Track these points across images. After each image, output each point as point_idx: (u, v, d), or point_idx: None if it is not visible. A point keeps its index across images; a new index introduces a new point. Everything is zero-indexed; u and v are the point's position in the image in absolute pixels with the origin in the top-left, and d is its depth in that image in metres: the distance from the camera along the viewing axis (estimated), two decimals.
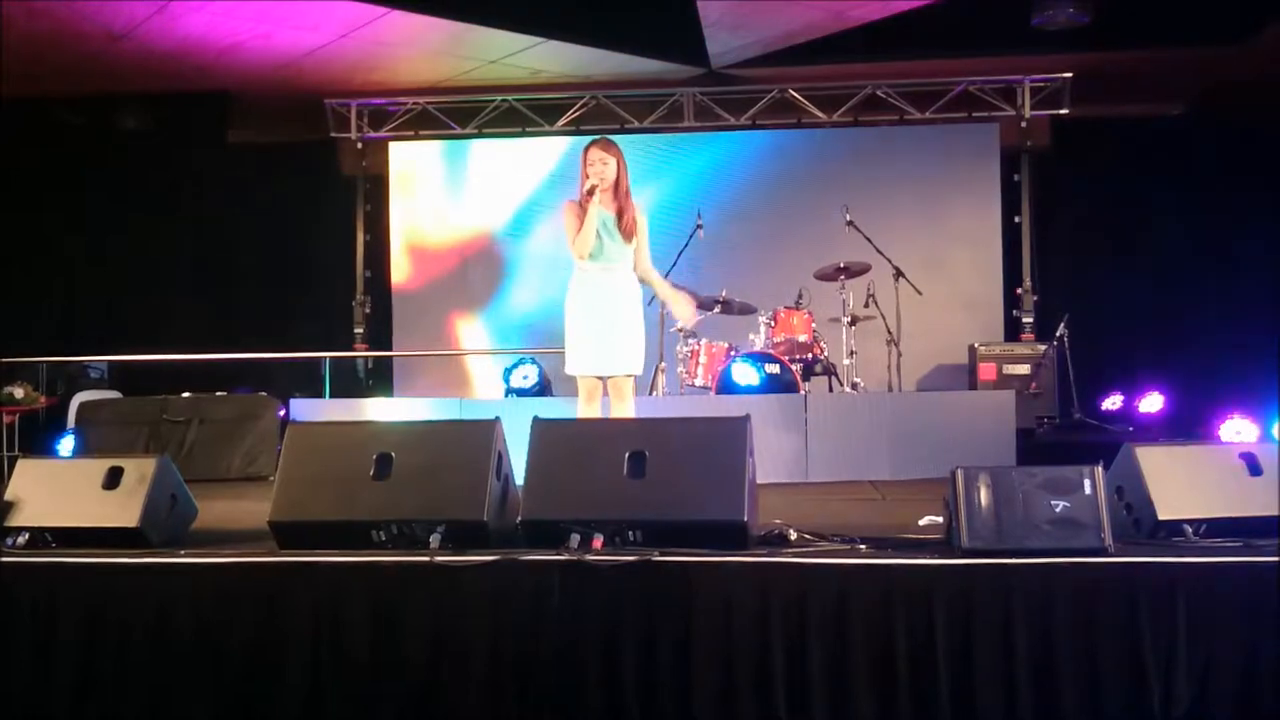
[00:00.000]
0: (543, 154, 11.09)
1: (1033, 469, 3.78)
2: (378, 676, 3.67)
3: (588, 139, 5.76)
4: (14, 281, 10.34)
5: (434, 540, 3.77)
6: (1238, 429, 6.93)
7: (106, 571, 3.84)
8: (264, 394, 8.34)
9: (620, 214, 5.48)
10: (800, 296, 8.64)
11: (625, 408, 5.53)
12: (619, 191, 5.48)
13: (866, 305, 8.75)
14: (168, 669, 3.73)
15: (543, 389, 9.27)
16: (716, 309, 8.59)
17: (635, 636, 3.59)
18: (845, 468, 7.30)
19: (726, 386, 7.90)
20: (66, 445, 7.93)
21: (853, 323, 8.65)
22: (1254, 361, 8.49)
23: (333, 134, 11.13)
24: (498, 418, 4.14)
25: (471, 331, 11.24)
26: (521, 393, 9.22)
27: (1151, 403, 9.57)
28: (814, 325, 8.47)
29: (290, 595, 3.73)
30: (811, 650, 3.53)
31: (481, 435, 4.06)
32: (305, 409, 8.11)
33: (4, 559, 3.89)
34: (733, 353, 8.19)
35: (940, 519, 4.07)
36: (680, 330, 8.51)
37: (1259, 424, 6.96)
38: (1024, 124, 10.61)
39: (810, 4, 8.87)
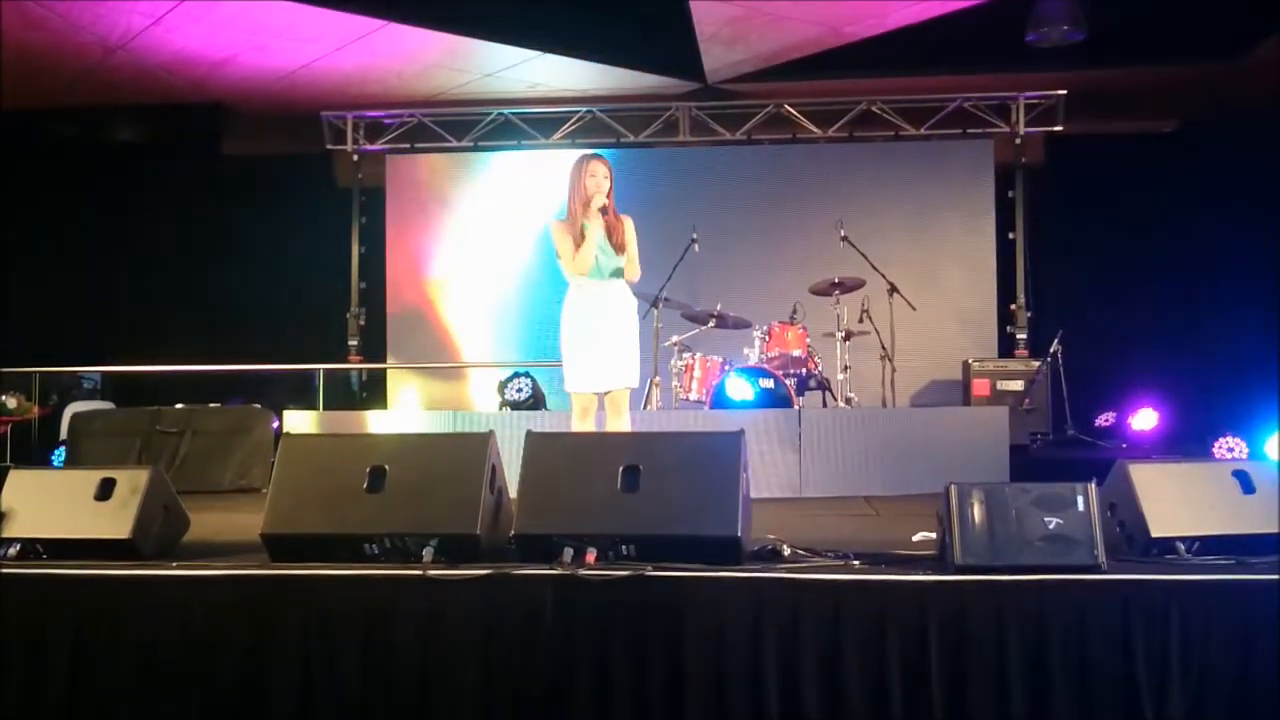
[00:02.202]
0: (538, 167, 11.10)
1: (1026, 485, 3.78)
2: (369, 690, 3.66)
3: (584, 153, 5.77)
4: (7, 292, 10.33)
5: (427, 554, 3.76)
6: (1230, 447, 6.94)
7: (98, 583, 3.83)
8: (257, 406, 8.31)
9: (610, 229, 5.50)
10: (795, 311, 8.64)
11: (621, 422, 5.53)
12: (609, 208, 5.52)
13: (861, 320, 8.75)
14: (158, 681, 3.71)
15: (537, 402, 9.26)
16: (711, 323, 8.59)
17: (628, 651, 3.59)
18: (839, 483, 7.28)
19: (720, 401, 7.89)
20: (58, 456, 7.92)
21: (847, 338, 8.65)
22: (1247, 379, 8.53)
23: (328, 146, 11.13)
24: (491, 431, 4.14)
25: (466, 344, 11.23)
26: (515, 406, 9.20)
27: (1145, 420, 9.59)
28: (808, 340, 8.47)
29: (282, 608, 3.72)
30: (804, 666, 3.53)
31: (475, 448, 4.05)
32: (299, 421, 8.09)
33: None
34: (727, 367, 8.18)
35: (934, 535, 4.07)
36: (675, 344, 8.51)
37: (1249, 443, 6.97)
38: (1018, 140, 10.65)
39: (806, 20, 8.90)
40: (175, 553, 4.23)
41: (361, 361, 11.23)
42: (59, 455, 8.05)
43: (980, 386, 9.82)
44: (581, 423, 5.56)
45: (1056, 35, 8.76)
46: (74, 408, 8.85)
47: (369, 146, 11.21)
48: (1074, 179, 10.76)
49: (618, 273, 5.55)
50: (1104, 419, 9.92)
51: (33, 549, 4.06)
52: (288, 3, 8.43)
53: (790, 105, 10.65)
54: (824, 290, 8.70)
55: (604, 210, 5.41)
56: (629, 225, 5.58)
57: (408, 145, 11.23)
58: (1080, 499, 3.70)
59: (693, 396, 8.23)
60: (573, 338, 5.56)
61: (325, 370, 10.14)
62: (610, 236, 5.49)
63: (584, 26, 8.98)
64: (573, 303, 5.59)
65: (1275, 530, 3.84)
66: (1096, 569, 3.61)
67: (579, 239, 5.45)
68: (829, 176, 10.79)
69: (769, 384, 7.93)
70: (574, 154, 5.67)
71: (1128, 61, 9.66)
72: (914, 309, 8.86)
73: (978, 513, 3.69)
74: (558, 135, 10.93)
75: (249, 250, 10.98)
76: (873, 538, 4.87)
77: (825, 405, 8.66)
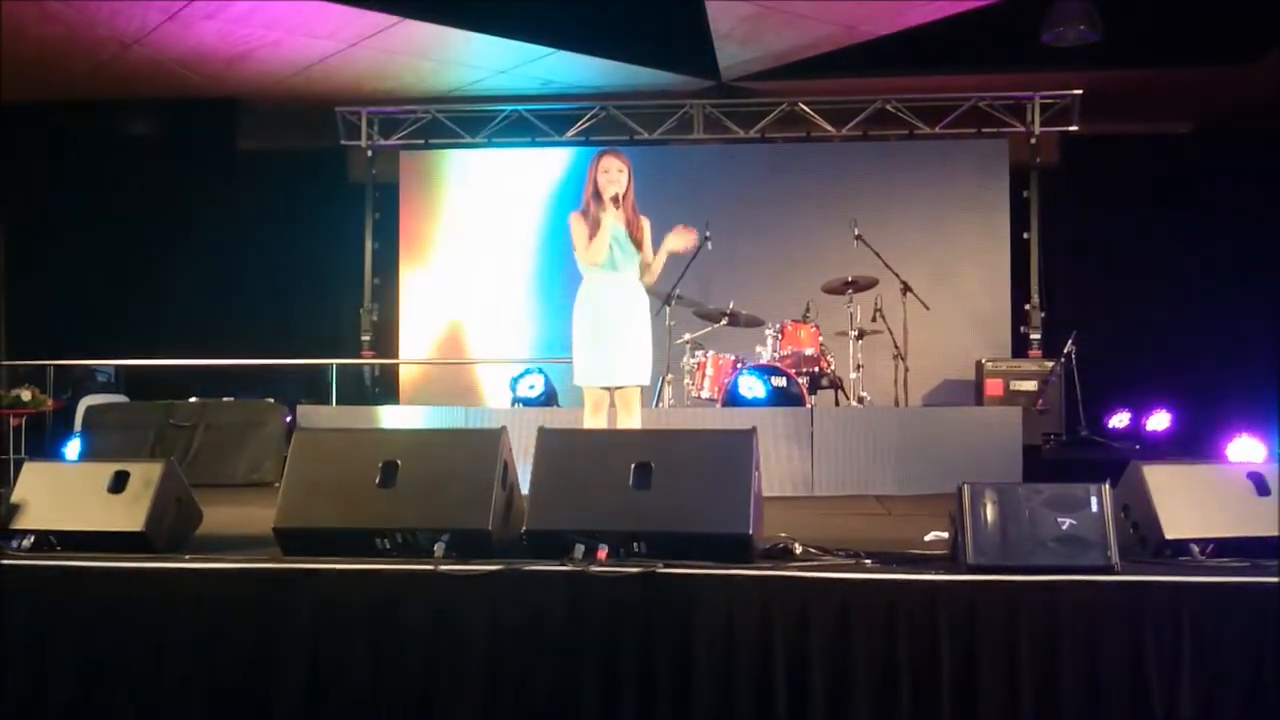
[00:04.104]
0: (552, 164, 11.12)
1: (1039, 486, 3.76)
2: (378, 684, 3.66)
3: (597, 150, 5.79)
4: (23, 285, 10.37)
5: (438, 549, 3.76)
6: (1245, 448, 6.90)
7: (111, 575, 3.84)
8: (270, 400, 8.34)
9: (629, 225, 5.51)
10: (808, 310, 8.63)
11: (632, 419, 5.53)
12: (627, 203, 5.52)
13: (874, 319, 8.74)
14: (168, 673, 3.72)
15: (549, 399, 9.27)
16: (724, 321, 8.59)
17: (637, 648, 3.59)
18: (851, 482, 7.29)
19: (733, 399, 7.89)
20: (73, 448, 7.94)
21: (860, 337, 8.64)
22: (1262, 380, 8.49)
23: (343, 142, 11.16)
24: (504, 427, 4.14)
25: (478, 340, 11.24)
26: (528, 402, 9.22)
27: (1158, 420, 9.56)
28: (821, 339, 8.46)
29: (293, 602, 3.73)
30: (814, 664, 3.52)
31: (487, 444, 4.06)
32: (311, 416, 8.11)
33: (8, 562, 3.90)
34: (739, 365, 8.18)
35: (946, 535, 4.06)
36: (688, 342, 8.51)
37: (1266, 443, 6.93)
38: (1033, 140, 10.61)
39: (821, 18, 8.88)
40: (188, 546, 4.24)
41: (374, 357, 11.25)
42: (73, 443, 8.06)
43: (993, 386, 9.80)
44: (594, 418, 5.56)
45: (1072, 35, 8.72)
46: (88, 401, 8.87)
47: (383, 142, 11.22)
48: (1089, 179, 10.72)
49: (632, 269, 5.56)
50: (1117, 420, 9.89)
51: (46, 541, 4.07)
52: None
53: (804, 104, 10.63)
54: (837, 289, 8.70)
55: (615, 200, 5.42)
56: (647, 227, 5.60)
57: (422, 141, 11.24)
58: (1094, 500, 3.69)
59: (705, 394, 8.23)
60: (584, 330, 5.56)
61: (338, 365, 10.16)
62: (630, 233, 5.50)
63: (598, 23, 8.97)
64: (585, 295, 5.59)
65: None
66: (1109, 570, 3.60)
67: (593, 231, 5.46)
68: (843, 175, 10.77)
69: (781, 382, 7.92)
70: (587, 151, 5.69)
71: (1143, 62, 9.62)
72: (927, 308, 8.85)
73: (990, 513, 3.68)
74: (571, 132, 10.93)
75: (263, 245, 11.00)
76: (884, 537, 4.86)
77: (837, 404, 8.66)
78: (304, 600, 3.72)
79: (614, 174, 5.46)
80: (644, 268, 5.62)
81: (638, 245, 5.53)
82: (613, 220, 5.45)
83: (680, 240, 5.62)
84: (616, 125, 10.82)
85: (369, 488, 3.98)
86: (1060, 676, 3.48)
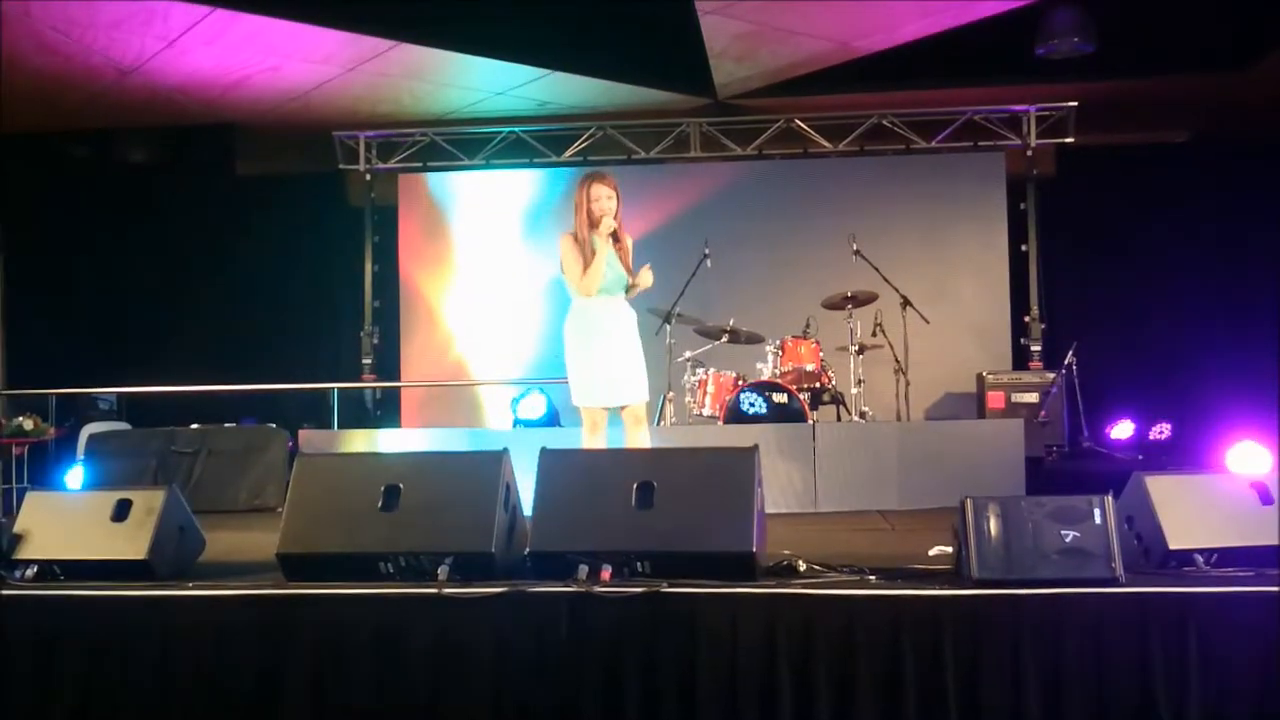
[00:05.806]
0: (549, 184, 11.14)
1: (1042, 498, 3.77)
2: (384, 708, 3.65)
3: (588, 172, 5.80)
4: (23, 313, 10.38)
5: (442, 572, 3.76)
6: (1247, 454, 6.89)
7: (114, 604, 3.84)
8: (272, 425, 8.34)
9: (618, 245, 5.55)
10: (808, 325, 8.63)
11: (642, 434, 5.53)
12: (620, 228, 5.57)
13: (874, 334, 8.73)
14: (173, 701, 3.72)
15: (551, 419, 9.27)
16: (724, 338, 8.59)
17: (642, 668, 3.58)
18: (854, 498, 7.27)
19: (734, 416, 7.88)
20: (75, 477, 7.94)
21: (860, 351, 8.64)
22: (1263, 388, 8.49)
23: (341, 166, 11.18)
24: (505, 449, 4.14)
25: (479, 362, 11.25)
26: (529, 423, 9.21)
27: (1160, 431, 9.54)
28: (821, 354, 8.46)
29: (297, 627, 3.73)
30: (819, 681, 3.52)
31: (489, 466, 4.06)
32: (313, 440, 8.11)
33: (11, 592, 3.89)
34: (740, 382, 8.18)
35: (950, 549, 4.05)
36: (688, 360, 8.51)
37: (1270, 449, 6.91)
38: (1029, 152, 10.62)
39: (816, 35, 8.92)
40: (191, 573, 4.23)
41: (375, 380, 11.25)
42: (75, 472, 8.06)
43: (995, 399, 9.79)
44: (592, 437, 5.56)
45: (1066, 47, 8.76)
46: (90, 429, 8.88)
47: (381, 166, 11.25)
48: (1086, 190, 10.74)
49: (622, 289, 5.58)
50: (1119, 430, 9.88)
51: (49, 570, 4.07)
52: (300, 24, 8.49)
53: (801, 120, 10.66)
54: (837, 304, 8.69)
55: (615, 234, 5.45)
56: (629, 245, 5.64)
57: (420, 164, 11.27)
58: (1097, 511, 3.69)
59: (706, 412, 8.22)
60: (580, 352, 5.56)
61: (339, 389, 10.16)
62: (620, 256, 5.53)
63: (593, 44, 9.01)
64: (578, 317, 5.60)
65: None
66: (1114, 582, 3.59)
67: (588, 259, 5.46)
68: (840, 190, 10.79)
69: (782, 399, 7.92)
70: (584, 171, 5.68)
71: (1138, 72, 9.65)
72: (927, 322, 8.84)
73: (994, 526, 3.68)
74: (569, 152, 10.96)
75: (263, 270, 11.02)
76: (888, 552, 4.86)
77: (839, 419, 8.64)
78: (308, 625, 3.72)
79: (604, 201, 5.47)
80: (630, 286, 5.63)
81: (626, 267, 5.56)
82: (609, 249, 5.48)
83: (647, 277, 5.62)
84: (613, 145, 10.85)
85: (372, 511, 3.98)
86: (1066, 689, 3.48)
